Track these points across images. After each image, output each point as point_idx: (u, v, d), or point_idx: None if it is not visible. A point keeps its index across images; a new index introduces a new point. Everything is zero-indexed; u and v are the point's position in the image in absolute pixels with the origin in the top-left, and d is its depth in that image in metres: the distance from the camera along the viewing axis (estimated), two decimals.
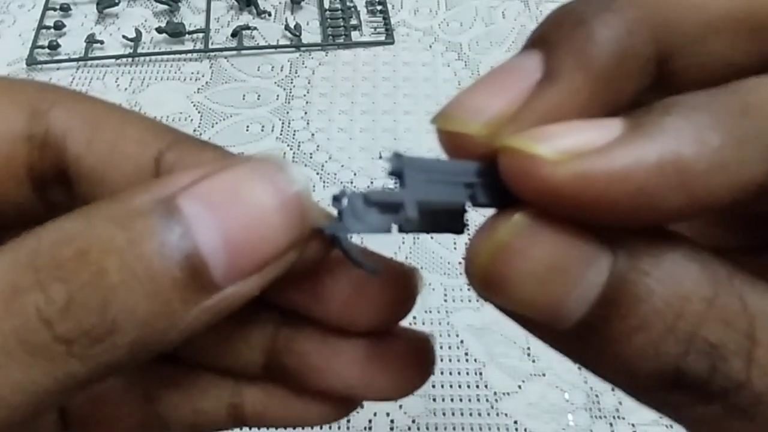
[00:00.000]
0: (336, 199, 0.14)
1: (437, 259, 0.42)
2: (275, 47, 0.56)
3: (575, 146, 0.12)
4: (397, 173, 0.14)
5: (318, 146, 0.48)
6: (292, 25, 0.57)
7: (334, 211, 0.15)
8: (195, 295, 0.13)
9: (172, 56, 0.55)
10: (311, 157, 0.48)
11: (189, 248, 0.13)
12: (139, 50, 0.55)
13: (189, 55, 0.55)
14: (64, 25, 0.57)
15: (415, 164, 0.14)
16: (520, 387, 0.36)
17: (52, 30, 0.57)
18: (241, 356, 0.18)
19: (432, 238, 0.43)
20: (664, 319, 0.12)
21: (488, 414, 0.35)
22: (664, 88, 0.14)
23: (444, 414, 0.35)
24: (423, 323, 0.39)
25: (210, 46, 0.55)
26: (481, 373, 0.36)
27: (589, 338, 0.13)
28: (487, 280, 0.13)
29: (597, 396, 0.36)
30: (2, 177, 0.17)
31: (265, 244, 0.13)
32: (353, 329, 0.18)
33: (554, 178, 0.12)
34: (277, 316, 0.18)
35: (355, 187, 0.46)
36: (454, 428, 0.35)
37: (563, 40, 0.13)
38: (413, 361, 0.18)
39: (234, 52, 0.56)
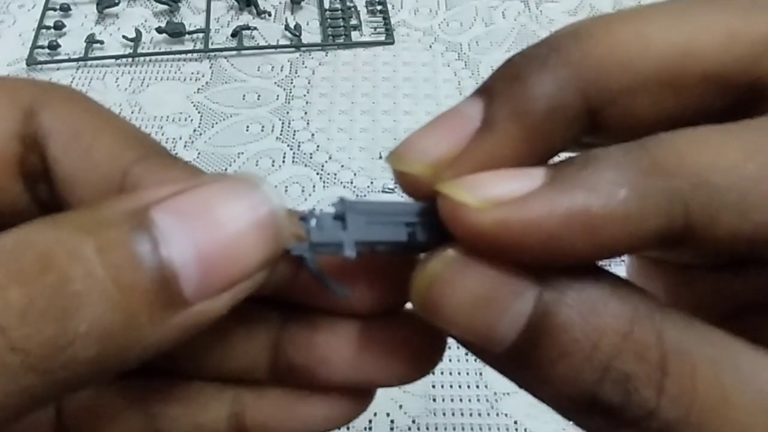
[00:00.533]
0: (303, 219, 0.15)
1: None
2: (275, 47, 0.56)
3: (497, 195, 0.13)
4: (340, 216, 0.15)
5: (318, 146, 0.48)
6: (292, 25, 0.57)
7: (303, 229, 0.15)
8: (163, 310, 0.13)
9: (172, 56, 0.55)
10: (311, 157, 0.48)
11: (161, 260, 0.12)
12: (139, 50, 0.55)
13: (189, 55, 0.55)
14: (64, 25, 0.57)
15: (359, 208, 0.15)
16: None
17: (52, 30, 0.57)
18: (246, 359, 0.18)
19: None
20: (582, 348, 0.13)
21: (488, 414, 0.35)
22: (599, 132, 0.15)
23: (444, 414, 0.35)
24: None
25: (210, 46, 0.55)
26: (481, 373, 0.36)
27: (519, 363, 0.14)
28: (423, 306, 0.14)
29: None
30: None
31: (238, 262, 0.13)
32: (362, 312, 0.17)
33: (477, 223, 0.13)
34: (279, 312, 0.18)
35: (354, 187, 0.46)
36: (454, 428, 0.35)
37: (501, 92, 0.15)
38: (426, 341, 0.18)
39: (234, 52, 0.56)
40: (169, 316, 0.13)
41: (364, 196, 0.45)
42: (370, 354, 0.17)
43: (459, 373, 0.37)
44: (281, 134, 0.49)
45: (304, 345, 0.18)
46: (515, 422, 0.35)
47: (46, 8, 0.58)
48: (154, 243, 0.12)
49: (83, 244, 0.12)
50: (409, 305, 0.17)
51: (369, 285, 0.17)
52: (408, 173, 0.15)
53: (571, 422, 0.15)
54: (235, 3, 0.60)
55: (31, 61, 0.54)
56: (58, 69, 0.54)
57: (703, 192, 0.13)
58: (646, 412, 0.13)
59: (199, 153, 0.48)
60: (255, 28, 0.57)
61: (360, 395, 0.19)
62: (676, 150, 0.13)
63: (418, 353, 0.18)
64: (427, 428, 0.35)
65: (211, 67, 0.54)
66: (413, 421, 0.35)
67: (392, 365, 0.18)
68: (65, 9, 0.59)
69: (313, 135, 0.49)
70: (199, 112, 0.51)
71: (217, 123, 0.50)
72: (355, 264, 0.16)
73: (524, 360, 0.14)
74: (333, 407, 0.18)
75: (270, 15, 0.59)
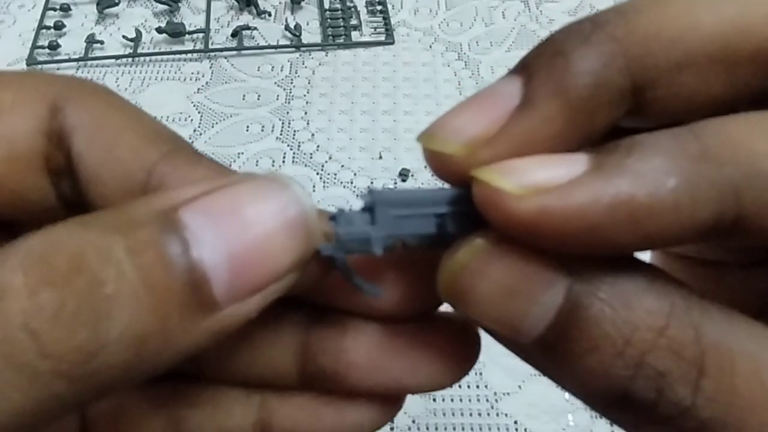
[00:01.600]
0: (333, 219, 0.15)
1: None
2: (275, 47, 0.56)
3: (539, 182, 0.13)
4: (369, 209, 0.15)
5: (318, 146, 0.48)
6: (292, 25, 0.57)
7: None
8: (194, 314, 0.12)
9: (172, 56, 0.55)
10: (311, 157, 0.48)
11: (192, 262, 0.12)
12: (139, 50, 0.55)
13: (189, 55, 0.55)
14: (64, 25, 0.57)
15: (388, 199, 0.15)
16: (520, 387, 0.36)
17: (52, 30, 0.57)
18: (272, 363, 0.17)
19: None
20: (613, 343, 0.13)
21: (488, 414, 0.35)
22: (643, 115, 0.15)
23: (444, 414, 0.35)
24: None
25: (210, 46, 0.55)
26: (481, 373, 0.36)
27: (547, 354, 0.14)
28: (450, 295, 0.14)
29: None
30: (23, 169, 0.17)
31: (269, 264, 0.13)
32: (393, 313, 0.17)
33: (517, 211, 0.13)
34: (306, 314, 0.18)
35: (355, 187, 0.46)
36: (454, 428, 0.35)
37: (542, 68, 0.14)
38: (459, 345, 0.17)
39: (234, 52, 0.56)
40: (200, 320, 0.12)
41: None
42: (402, 358, 0.17)
43: None
44: (281, 134, 0.49)
45: (333, 349, 0.17)
46: (515, 422, 0.35)
47: (46, 8, 0.58)
48: (185, 244, 0.12)
49: (114, 245, 0.12)
50: (442, 307, 0.17)
51: (401, 285, 0.17)
52: (441, 153, 0.14)
53: (595, 416, 0.14)
54: (235, 3, 0.60)
55: (31, 61, 0.53)
56: (58, 69, 0.54)
57: (756, 182, 0.12)
58: (681, 410, 0.12)
59: None
60: (255, 28, 0.57)
61: (390, 401, 0.18)
62: (729, 137, 0.13)
63: (450, 357, 0.17)
64: (427, 428, 0.35)
65: (211, 67, 0.55)
66: (413, 421, 0.35)
67: (424, 370, 0.17)
68: (65, 9, 0.59)
69: (313, 135, 0.49)
70: (199, 112, 0.51)
71: (217, 123, 0.50)
72: (387, 263, 0.16)
73: (552, 352, 0.13)
74: (362, 413, 0.18)
75: (270, 15, 0.59)
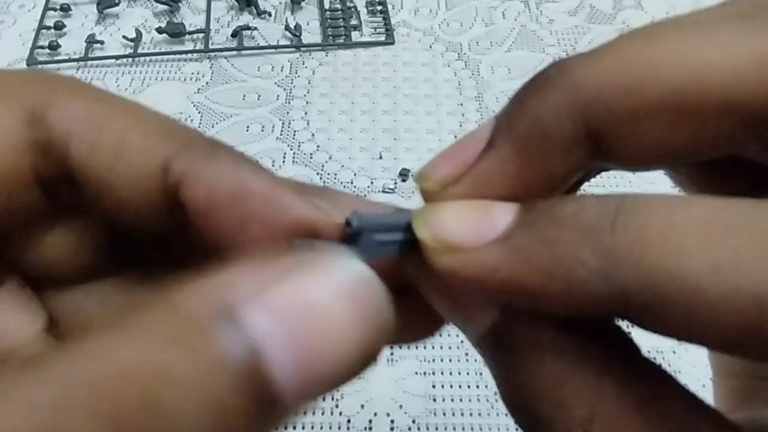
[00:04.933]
0: (349, 224, 0.15)
1: None
2: (275, 47, 0.56)
3: (452, 236, 0.14)
4: (356, 234, 0.15)
5: (318, 146, 0.48)
6: (292, 25, 0.57)
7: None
8: (262, 424, 0.11)
9: (172, 56, 0.55)
10: (311, 158, 0.48)
11: (264, 379, 0.11)
12: (140, 50, 0.55)
13: (189, 56, 0.55)
14: (64, 26, 0.57)
15: (371, 223, 0.15)
16: None
17: (53, 30, 0.57)
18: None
19: None
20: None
21: (488, 414, 0.35)
22: (611, 160, 0.15)
23: (444, 414, 0.35)
24: None
25: (210, 47, 0.55)
26: (481, 373, 0.36)
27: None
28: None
29: None
30: (8, 188, 0.15)
31: (342, 365, 0.12)
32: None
33: (433, 261, 0.14)
34: None
35: (355, 187, 0.46)
36: (454, 428, 0.35)
37: (505, 113, 0.15)
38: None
39: (234, 53, 0.56)
40: (266, 421, 0.11)
41: (365, 195, 0.45)
42: None
43: (459, 373, 0.37)
44: (281, 134, 0.49)
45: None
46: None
47: (46, 8, 0.58)
48: (255, 356, 0.11)
49: (173, 363, 0.10)
50: None
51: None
52: (423, 189, 0.16)
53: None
54: (235, 3, 0.60)
55: (32, 61, 0.54)
56: (58, 69, 0.54)
57: (647, 294, 0.11)
58: None
59: None
60: (255, 28, 0.58)
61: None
62: (640, 231, 0.12)
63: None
64: (427, 428, 0.35)
65: (211, 68, 0.55)
66: (413, 421, 0.35)
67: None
68: (65, 9, 0.59)
69: (313, 135, 0.49)
70: (199, 113, 0.51)
71: (217, 123, 0.50)
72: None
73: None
74: None
75: (270, 15, 0.59)
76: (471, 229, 0.14)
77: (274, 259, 0.12)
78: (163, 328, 0.11)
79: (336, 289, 0.12)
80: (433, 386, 0.36)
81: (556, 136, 0.14)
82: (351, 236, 0.15)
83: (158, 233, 0.17)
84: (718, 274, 0.11)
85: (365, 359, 0.12)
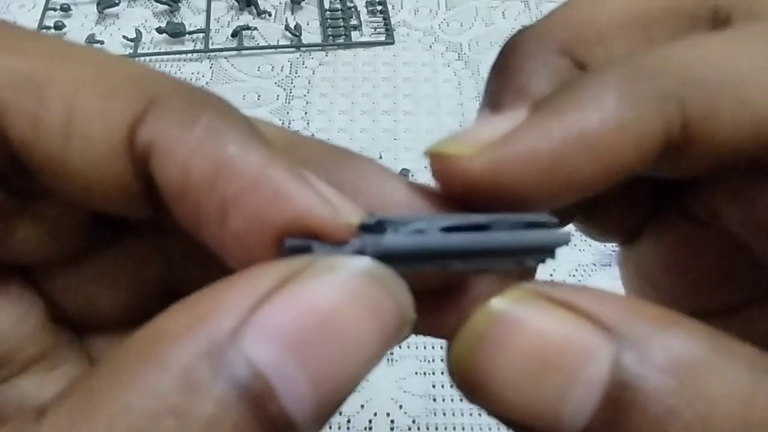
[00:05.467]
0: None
1: None
2: (275, 47, 0.56)
3: (486, 138, 0.12)
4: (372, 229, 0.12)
5: None
6: (292, 25, 0.57)
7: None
8: None
9: (172, 56, 0.55)
10: None
11: (275, 411, 0.10)
12: (140, 50, 0.55)
13: (189, 56, 0.55)
14: (64, 26, 0.57)
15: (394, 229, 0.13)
16: None
17: (53, 30, 0.57)
18: None
19: None
20: (688, 425, 0.10)
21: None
22: None
23: (444, 414, 0.35)
24: None
25: (210, 47, 0.55)
26: None
27: None
28: (467, 379, 0.11)
29: None
30: None
31: (360, 374, 0.10)
32: None
33: (473, 170, 0.12)
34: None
35: None
36: (454, 428, 0.35)
37: (492, 82, 0.17)
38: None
39: (234, 53, 0.56)
40: None
41: None
42: None
43: None
44: None
45: None
46: None
47: (46, 8, 0.58)
48: (262, 393, 0.09)
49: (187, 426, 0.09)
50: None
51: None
52: (448, 155, 0.13)
53: None
54: (235, 3, 0.60)
55: None
56: None
57: (696, 85, 0.12)
58: None
59: None
60: (255, 28, 0.57)
61: None
62: (664, 53, 0.13)
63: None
64: (427, 428, 0.35)
65: (211, 67, 0.55)
66: (413, 421, 0.35)
67: None
68: (65, 9, 0.59)
69: (313, 135, 0.49)
70: None
71: None
72: None
73: None
74: None
75: (270, 15, 0.59)
76: (502, 124, 0.13)
77: (263, 267, 0.11)
78: (150, 395, 0.09)
79: (343, 292, 0.10)
80: (433, 386, 0.36)
81: (553, 73, 0.15)
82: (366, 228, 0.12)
83: (139, 214, 0.13)
84: (754, 69, 0.12)
85: (382, 356, 0.11)
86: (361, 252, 0.11)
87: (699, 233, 0.17)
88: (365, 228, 0.12)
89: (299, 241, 0.12)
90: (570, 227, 0.16)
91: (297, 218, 0.11)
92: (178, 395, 0.09)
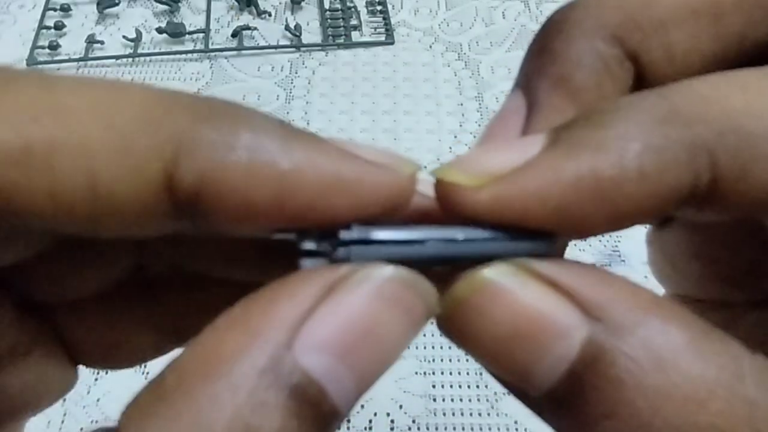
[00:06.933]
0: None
1: None
2: (275, 47, 0.56)
3: (494, 169, 0.12)
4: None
5: None
6: (292, 26, 0.57)
7: None
8: None
9: (172, 56, 0.55)
10: None
11: (328, 410, 0.11)
12: (140, 50, 0.55)
13: (189, 56, 0.55)
14: (64, 26, 0.57)
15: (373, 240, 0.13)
16: None
17: (53, 30, 0.57)
18: None
19: None
20: (637, 413, 0.10)
21: (488, 414, 0.35)
22: (646, 83, 0.14)
23: (444, 414, 0.35)
24: None
25: (210, 47, 0.55)
26: (481, 373, 0.36)
27: (558, 412, 0.12)
28: (446, 330, 0.13)
29: None
30: None
31: (393, 361, 0.12)
32: None
33: (476, 203, 0.12)
34: None
35: None
36: (454, 428, 0.35)
37: (533, 71, 0.14)
38: None
39: (234, 53, 0.56)
40: None
41: None
42: None
43: (459, 373, 0.37)
44: None
45: None
46: (515, 422, 0.35)
47: (46, 8, 0.58)
48: (319, 398, 0.11)
49: None
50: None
51: None
52: (456, 184, 0.12)
53: None
54: (236, 3, 0.60)
55: (32, 62, 0.54)
56: (58, 69, 0.54)
57: (732, 139, 0.11)
58: None
59: None
60: (255, 29, 0.57)
61: None
62: (699, 94, 0.11)
63: None
64: (427, 428, 0.35)
65: (211, 68, 0.55)
66: (413, 421, 0.35)
67: None
68: (65, 9, 0.59)
69: None
70: None
71: None
72: None
73: (564, 410, 0.11)
74: None
75: (270, 15, 0.59)
76: (513, 155, 0.12)
77: (303, 279, 0.11)
78: (226, 416, 0.10)
79: (378, 300, 0.11)
80: (433, 386, 0.36)
81: (598, 63, 0.13)
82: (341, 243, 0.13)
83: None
84: None
85: (411, 343, 0.12)
86: (345, 258, 0.12)
87: (734, 226, 0.17)
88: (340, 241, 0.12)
89: (362, 229, 0.12)
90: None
91: (364, 203, 0.12)
92: (250, 413, 0.10)
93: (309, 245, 0.13)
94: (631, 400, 0.10)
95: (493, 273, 0.12)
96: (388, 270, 0.12)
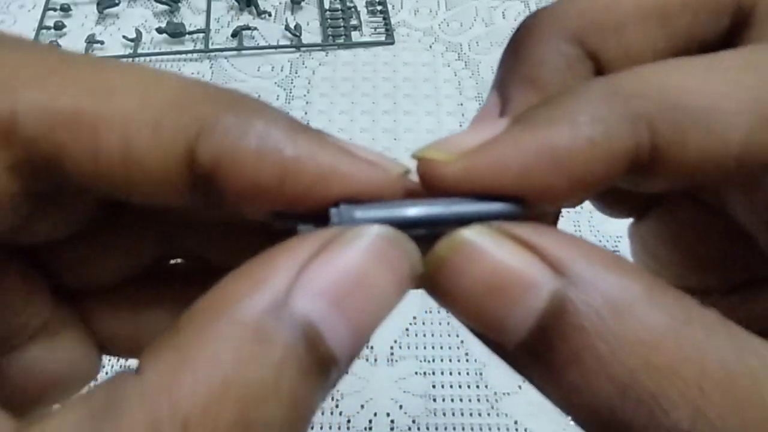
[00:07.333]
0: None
1: None
2: (275, 47, 0.56)
3: (464, 145, 0.14)
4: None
5: None
6: (292, 26, 0.57)
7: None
8: (326, 393, 0.13)
9: (172, 56, 0.55)
10: None
11: (326, 354, 0.12)
12: (140, 50, 0.55)
13: (189, 56, 0.55)
14: (64, 26, 0.57)
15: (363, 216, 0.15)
16: (520, 387, 0.36)
17: (53, 30, 0.57)
18: None
19: None
20: (599, 357, 0.11)
21: (488, 414, 0.35)
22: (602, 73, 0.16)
23: (444, 414, 0.35)
24: (423, 323, 0.39)
25: (210, 47, 0.55)
26: (481, 373, 0.36)
27: (530, 362, 0.13)
28: (430, 288, 0.14)
29: None
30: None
31: (383, 315, 0.13)
32: None
33: (447, 174, 0.14)
34: None
35: None
36: (454, 428, 0.35)
37: (503, 74, 0.16)
38: None
39: (234, 53, 0.56)
40: (321, 385, 0.12)
41: None
42: None
43: (459, 373, 0.37)
44: None
45: None
46: (515, 422, 0.35)
47: (46, 8, 0.58)
48: (315, 339, 0.12)
49: (249, 377, 0.11)
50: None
51: None
52: (434, 160, 0.14)
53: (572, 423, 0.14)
54: (236, 3, 0.60)
55: None
56: None
57: (668, 110, 0.13)
58: None
59: None
60: (255, 29, 0.57)
61: None
62: (640, 75, 0.13)
63: None
64: (427, 428, 0.35)
65: (211, 68, 0.55)
66: (413, 421, 0.35)
67: None
68: (65, 9, 0.59)
69: None
70: None
71: None
72: None
73: (536, 360, 0.13)
74: None
75: (270, 15, 0.59)
76: (480, 135, 0.14)
77: (301, 239, 0.13)
78: (232, 345, 0.11)
79: (368, 254, 0.13)
80: (433, 386, 0.36)
81: (561, 62, 0.15)
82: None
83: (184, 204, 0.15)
84: (724, 98, 0.13)
85: (398, 303, 0.13)
86: (338, 223, 0.14)
87: (704, 216, 0.18)
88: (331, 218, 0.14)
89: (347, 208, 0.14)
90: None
91: (356, 192, 0.14)
92: (255, 343, 0.11)
93: (305, 229, 0.14)
94: (593, 345, 0.12)
95: (471, 233, 0.13)
96: (376, 228, 0.13)
